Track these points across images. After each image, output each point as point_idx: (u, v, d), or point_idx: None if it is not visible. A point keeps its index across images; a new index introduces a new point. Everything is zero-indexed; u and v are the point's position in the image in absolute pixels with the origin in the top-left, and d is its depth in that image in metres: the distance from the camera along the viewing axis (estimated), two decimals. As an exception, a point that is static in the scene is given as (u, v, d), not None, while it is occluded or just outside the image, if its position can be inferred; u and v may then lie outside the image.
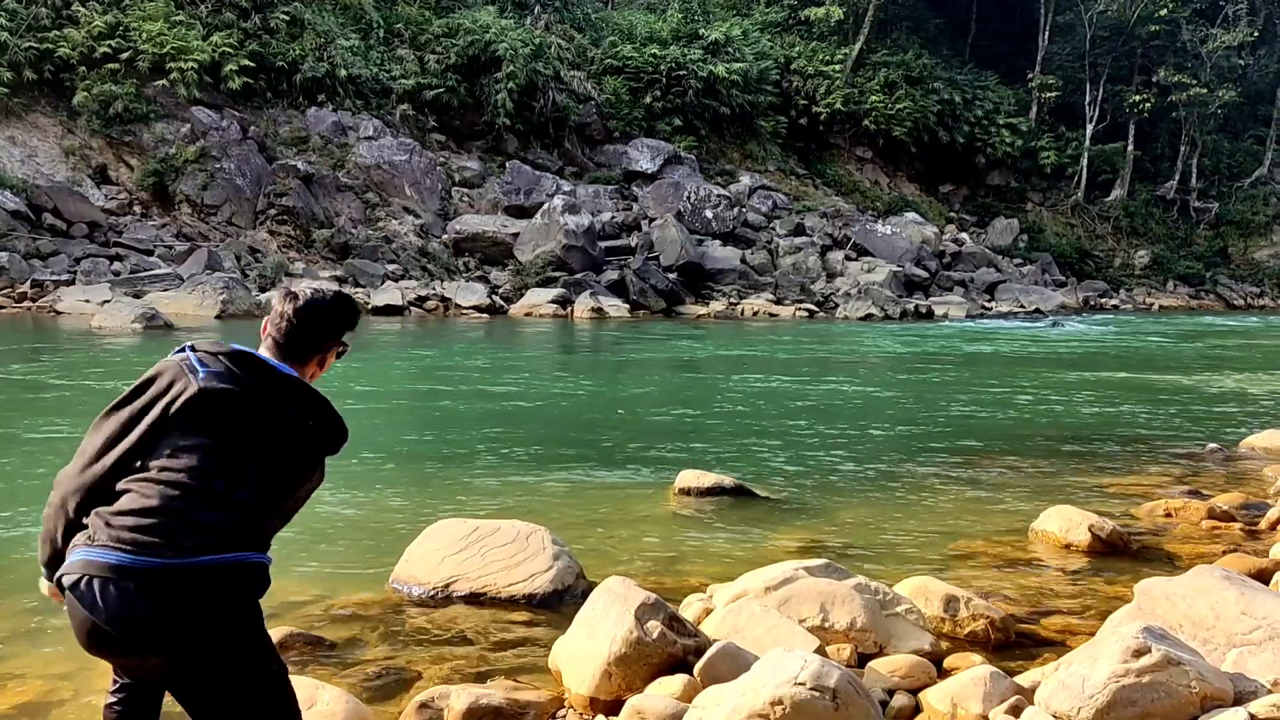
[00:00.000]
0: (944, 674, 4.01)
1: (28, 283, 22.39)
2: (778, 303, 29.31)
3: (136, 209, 27.05)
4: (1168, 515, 6.96)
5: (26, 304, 21.73)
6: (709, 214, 32.51)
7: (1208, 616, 3.89)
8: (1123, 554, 6.03)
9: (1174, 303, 42.10)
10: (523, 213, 30.04)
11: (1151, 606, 4.07)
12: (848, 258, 33.44)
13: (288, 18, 30.89)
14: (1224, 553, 5.94)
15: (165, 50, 27.91)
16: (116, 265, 23.95)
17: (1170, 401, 13.29)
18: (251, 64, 29.31)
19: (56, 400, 11.02)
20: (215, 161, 27.51)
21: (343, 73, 30.80)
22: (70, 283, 22.71)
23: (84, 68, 27.49)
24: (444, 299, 25.89)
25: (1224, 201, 48.29)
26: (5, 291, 22.11)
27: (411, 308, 24.99)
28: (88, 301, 21.24)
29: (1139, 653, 3.28)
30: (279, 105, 30.30)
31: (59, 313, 21.05)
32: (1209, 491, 7.70)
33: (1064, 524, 6.26)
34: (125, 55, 27.73)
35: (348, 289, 25.57)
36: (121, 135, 27.73)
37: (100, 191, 26.94)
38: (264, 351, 2.56)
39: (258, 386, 2.47)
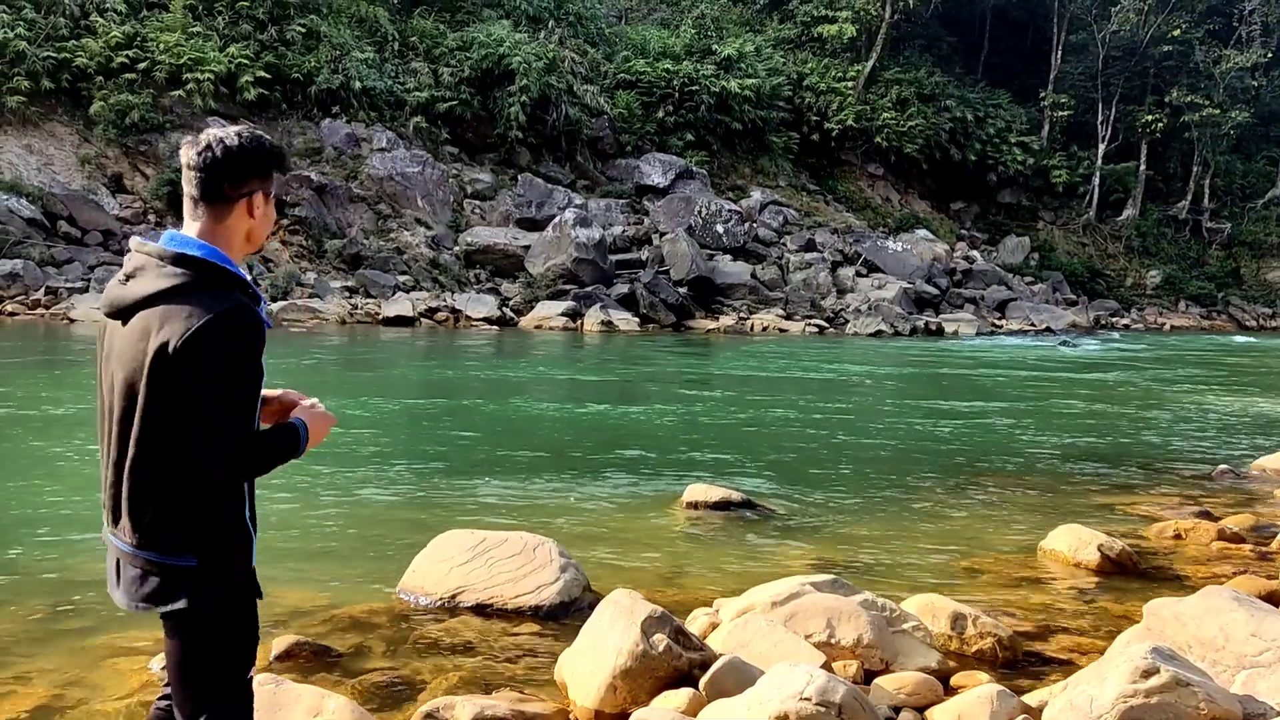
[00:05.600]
0: (950, 692, 4.00)
1: (42, 290, 22.52)
2: (788, 318, 29.29)
3: (150, 218, 27.21)
4: (1177, 536, 6.93)
5: (40, 311, 21.86)
6: (720, 229, 32.55)
7: (1217, 638, 3.87)
8: (1132, 574, 6.01)
9: (1186, 323, 41.95)
10: (534, 225, 30.12)
11: (1160, 627, 4.06)
12: (858, 274, 33.42)
13: (304, 30, 31.11)
14: (1234, 574, 5.91)
15: (182, 61, 28.13)
16: (130, 273, 24.07)
17: (1181, 422, 13.24)
18: (267, 75, 29.50)
19: (63, 407, 11.07)
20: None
21: (357, 85, 30.98)
22: (84, 290, 22.83)
23: (101, 77, 27.71)
24: (454, 310, 25.95)
25: (1236, 222, 48.15)
26: (20, 298, 22.26)
27: (422, 319, 25.05)
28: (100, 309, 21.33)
29: (1147, 673, 3.26)
30: (293, 117, 30.48)
31: (72, 320, 21.17)
32: (1219, 513, 7.66)
33: (1073, 543, 6.23)
34: (142, 66, 27.96)
35: (359, 300, 25.68)
36: (137, 145, 27.93)
37: (115, 200, 27.13)
38: (185, 218, 2.26)
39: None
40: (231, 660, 2.28)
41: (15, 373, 13.56)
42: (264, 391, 2.30)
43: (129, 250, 2.28)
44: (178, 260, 2.17)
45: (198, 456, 2.12)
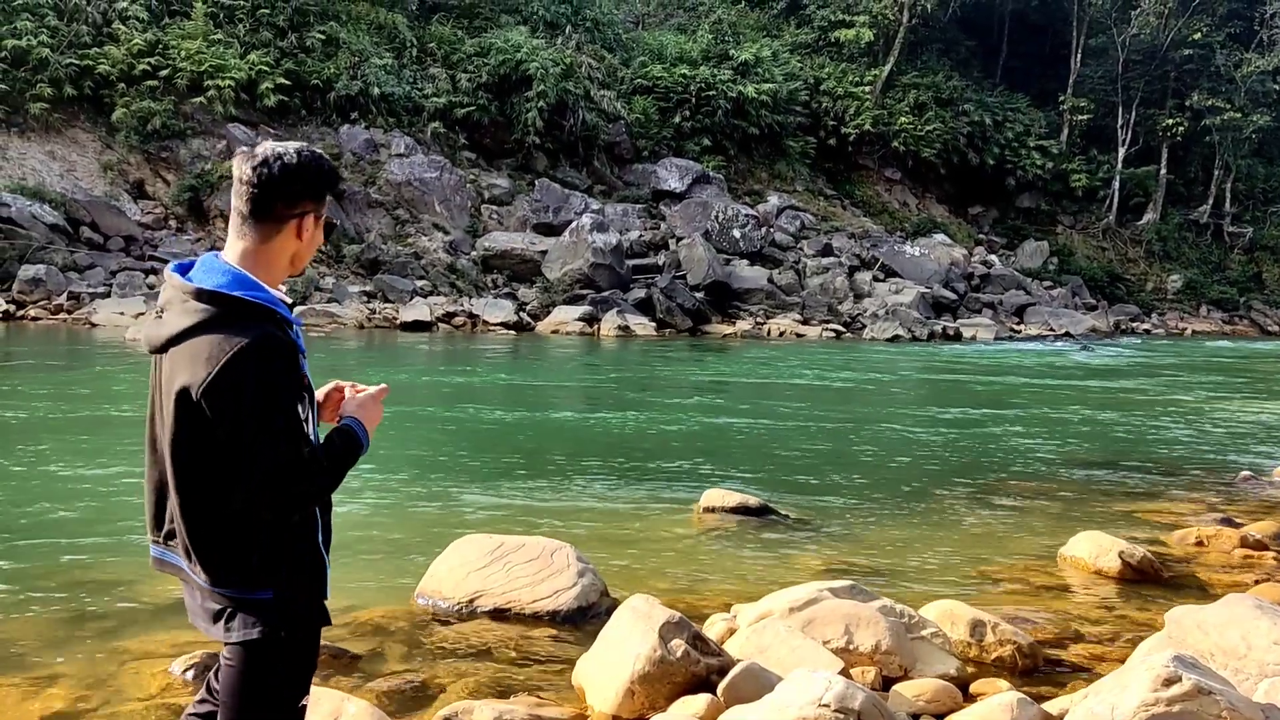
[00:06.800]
0: (970, 699, 3.98)
1: (64, 295, 22.73)
2: (804, 323, 29.22)
3: (172, 223, 27.44)
4: (1199, 543, 6.87)
5: (63, 316, 22.05)
6: (736, 233, 32.52)
7: (1239, 646, 3.84)
8: (1153, 581, 5.96)
9: (1207, 327, 41.59)
10: (551, 230, 30.18)
11: (1182, 635, 4.03)
12: (875, 278, 33.31)
13: (323, 37, 31.31)
14: (1257, 582, 5.86)
15: (203, 68, 28.35)
16: (151, 279, 24.28)
17: (1202, 428, 13.13)
18: (287, 82, 29.71)
19: (86, 411, 11.16)
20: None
21: (376, 91, 31.16)
22: (106, 295, 23.03)
23: (123, 85, 27.96)
24: (472, 315, 26.03)
25: (1258, 226, 47.74)
26: (42, 303, 22.47)
27: (439, 324, 25.13)
28: (122, 314, 21.54)
29: (1169, 682, 3.24)
30: (313, 123, 30.67)
31: (94, 325, 21.36)
32: (1242, 520, 7.59)
33: (1094, 550, 6.19)
34: (164, 73, 28.20)
35: (377, 304, 25.80)
36: (158, 151, 28.17)
37: (137, 206, 27.36)
38: (230, 233, 2.20)
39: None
40: (291, 689, 2.26)
41: (38, 376, 13.68)
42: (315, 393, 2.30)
43: (163, 280, 2.26)
44: (200, 295, 2.11)
45: (245, 493, 2.07)
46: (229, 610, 2.19)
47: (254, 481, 2.05)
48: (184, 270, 2.21)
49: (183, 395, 2.08)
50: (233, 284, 2.12)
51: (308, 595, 2.24)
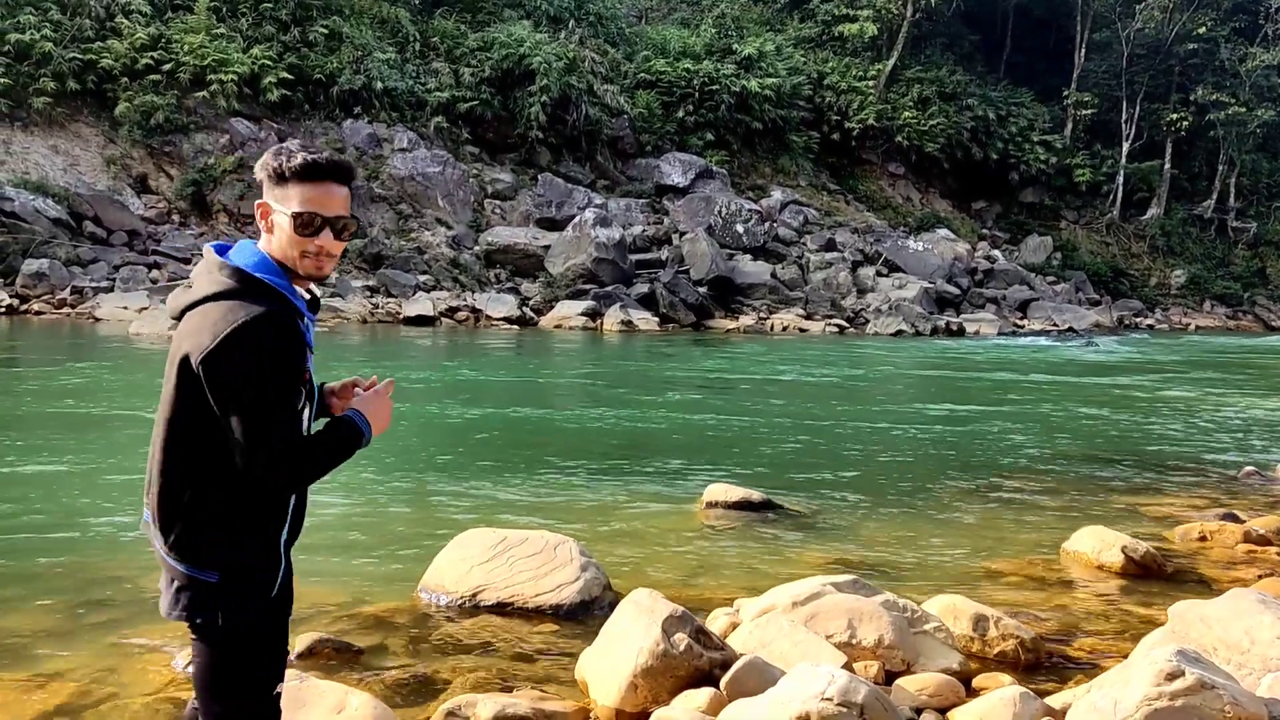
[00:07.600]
0: (972, 694, 3.98)
1: (68, 289, 22.75)
2: (808, 318, 29.21)
3: (175, 218, 27.45)
4: (1202, 538, 6.87)
5: (66, 310, 22.08)
6: (740, 228, 32.50)
7: (1243, 640, 3.84)
8: (1156, 576, 5.96)
9: (1211, 323, 41.53)
10: (554, 225, 30.18)
11: (1185, 629, 4.03)
12: (879, 273, 33.29)
13: (326, 31, 31.29)
14: (1260, 576, 5.85)
15: (206, 62, 28.35)
16: (154, 273, 24.32)
17: (1205, 424, 13.11)
18: (290, 76, 29.69)
19: (89, 406, 11.18)
20: (252, 172, 27.86)
21: (379, 85, 31.13)
22: (109, 290, 23.05)
23: (126, 79, 27.96)
24: (475, 310, 26.03)
25: (1262, 221, 47.64)
26: (45, 298, 22.49)
27: (442, 318, 25.14)
28: (126, 308, 21.56)
29: (1172, 676, 3.24)
30: (316, 117, 30.66)
31: (97, 319, 21.37)
32: (1245, 515, 7.58)
33: (1096, 545, 6.19)
34: (167, 67, 28.19)
35: (380, 299, 25.80)
36: (162, 145, 28.18)
37: (140, 200, 27.37)
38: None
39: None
40: (254, 676, 2.27)
41: (41, 371, 13.71)
42: (328, 385, 2.40)
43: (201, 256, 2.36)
44: (225, 269, 2.23)
45: (244, 459, 2.12)
46: (178, 586, 2.23)
47: (252, 451, 2.11)
48: (222, 251, 2.34)
49: (184, 363, 2.16)
50: (258, 266, 2.25)
51: (254, 586, 2.24)
